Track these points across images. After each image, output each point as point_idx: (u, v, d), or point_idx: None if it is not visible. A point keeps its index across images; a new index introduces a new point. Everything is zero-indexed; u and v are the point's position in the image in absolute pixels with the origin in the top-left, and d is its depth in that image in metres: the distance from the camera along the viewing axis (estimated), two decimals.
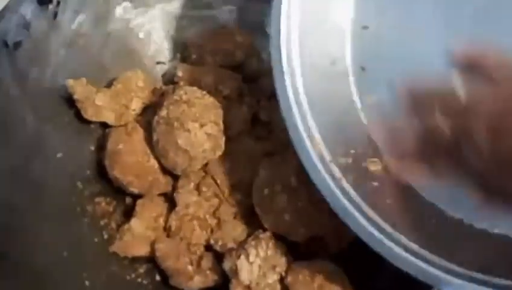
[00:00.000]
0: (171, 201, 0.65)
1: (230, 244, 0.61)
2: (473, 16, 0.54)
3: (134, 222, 0.63)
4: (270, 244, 0.59)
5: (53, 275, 0.58)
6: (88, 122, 0.67)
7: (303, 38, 0.57)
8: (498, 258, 0.50)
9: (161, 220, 0.64)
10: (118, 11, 0.73)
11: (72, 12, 0.68)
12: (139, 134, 0.64)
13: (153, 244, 0.63)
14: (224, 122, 0.64)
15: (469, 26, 0.55)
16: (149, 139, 0.64)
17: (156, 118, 0.62)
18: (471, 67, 0.53)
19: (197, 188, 0.64)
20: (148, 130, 0.64)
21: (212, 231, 0.63)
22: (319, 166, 0.53)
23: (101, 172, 0.67)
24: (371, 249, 0.51)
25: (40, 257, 0.58)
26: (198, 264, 0.62)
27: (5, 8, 0.62)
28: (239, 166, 0.65)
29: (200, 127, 0.60)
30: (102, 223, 0.66)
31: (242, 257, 0.58)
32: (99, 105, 0.66)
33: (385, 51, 0.59)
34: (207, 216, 0.64)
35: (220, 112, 0.63)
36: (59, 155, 0.65)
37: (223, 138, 0.64)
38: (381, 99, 0.58)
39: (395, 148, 0.56)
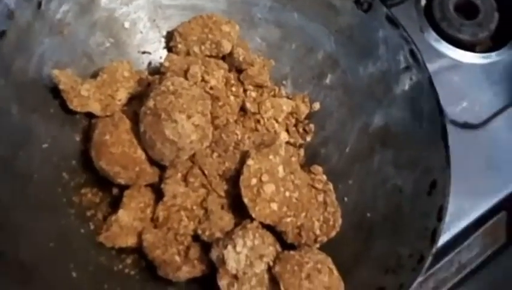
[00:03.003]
0: (158, 192, 0.65)
1: (218, 234, 0.61)
2: None
3: (121, 213, 0.62)
4: (257, 234, 0.59)
5: (39, 267, 0.58)
6: (73, 112, 0.67)
7: None
8: None
9: (148, 211, 0.64)
10: (103, 0, 0.72)
11: (57, 2, 0.67)
12: (126, 125, 0.64)
13: (140, 235, 0.63)
14: (211, 112, 0.64)
15: None
16: (136, 130, 0.63)
17: (143, 108, 0.62)
18: None
19: (185, 178, 0.64)
20: (135, 120, 0.64)
21: (199, 221, 0.63)
22: None
23: (87, 163, 0.66)
24: None
25: (26, 248, 0.58)
26: (186, 255, 0.62)
27: None
28: (226, 156, 0.65)
29: (188, 118, 0.60)
30: (88, 213, 0.66)
31: (229, 246, 0.58)
32: (85, 95, 0.66)
33: None
34: (194, 206, 0.64)
35: (208, 102, 0.63)
36: (44, 146, 0.65)
37: (211, 129, 0.64)
38: None
39: None
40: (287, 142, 0.72)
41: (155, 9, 0.76)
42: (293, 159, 0.67)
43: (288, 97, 0.75)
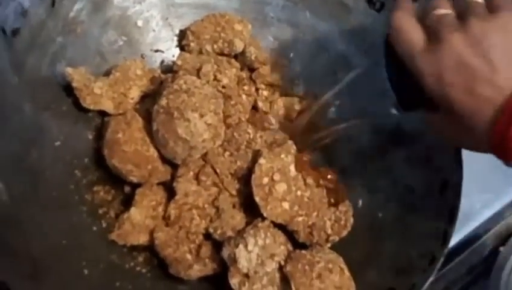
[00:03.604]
0: (170, 190, 0.65)
1: (229, 233, 0.62)
2: None
3: (133, 211, 0.63)
4: (269, 233, 0.60)
5: (51, 263, 0.58)
6: (86, 110, 0.67)
7: None
8: None
9: (160, 209, 0.64)
10: None
11: (70, 0, 0.67)
12: (138, 123, 0.64)
13: (152, 233, 0.63)
14: (223, 111, 0.64)
15: None
16: (148, 128, 0.64)
17: (156, 107, 0.62)
18: None
19: (196, 177, 0.64)
20: (147, 118, 0.64)
21: (211, 219, 0.63)
22: None
23: (99, 160, 0.66)
24: None
25: (38, 245, 0.58)
26: (197, 253, 0.62)
27: None
28: (238, 155, 0.65)
29: (200, 117, 0.60)
30: (100, 211, 0.66)
31: (240, 245, 0.58)
32: (98, 93, 0.66)
33: None
34: (206, 205, 0.64)
35: (220, 101, 0.63)
36: (57, 143, 0.65)
37: (223, 128, 0.64)
38: None
39: None
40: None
41: (168, 7, 0.76)
42: (305, 158, 0.68)
43: (300, 96, 0.75)
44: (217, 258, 0.62)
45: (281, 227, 0.62)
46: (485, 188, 0.76)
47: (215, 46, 0.72)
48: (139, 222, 0.62)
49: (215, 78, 0.66)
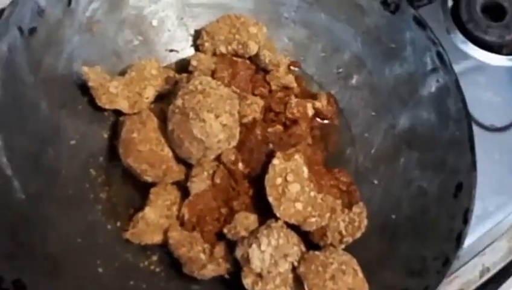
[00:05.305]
0: (184, 190, 0.65)
1: (243, 233, 0.62)
2: None
3: (147, 210, 0.63)
4: (282, 234, 0.60)
5: (67, 261, 0.59)
6: (102, 109, 0.67)
7: None
8: None
9: (174, 209, 0.64)
10: None
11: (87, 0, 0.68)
12: (153, 122, 0.64)
13: (166, 233, 0.63)
14: (238, 112, 0.64)
15: None
16: (163, 128, 0.64)
17: (171, 107, 0.62)
18: None
19: (211, 177, 0.64)
20: (162, 118, 0.65)
21: (224, 219, 0.64)
22: None
23: (114, 159, 0.67)
24: None
25: (54, 243, 0.59)
26: (211, 253, 0.62)
27: None
28: (252, 156, 0.65)
29: (216, 118, 0.60)
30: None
31: (254, 245, 0.58)
32: (113, 93, 0.66)
33: None
34: (220, 205, 0.64)
35: (235, 102, 0.63)
36: (72, 142, 0.66)
37: (238, 129, 0.64)
38: None
39: None
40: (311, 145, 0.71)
41: (183, 7, 0.76)
42: (318, 159, 0.68)
43: (313, 96, 0.75)
44: (231, 258, 0.62)
45: (294, 228, 0.62)
46: (499, 191, 0.76)
47: (229, 48, 0.72)
48: (153, 221, 0.63)
49: (229, 80, 0.67)
